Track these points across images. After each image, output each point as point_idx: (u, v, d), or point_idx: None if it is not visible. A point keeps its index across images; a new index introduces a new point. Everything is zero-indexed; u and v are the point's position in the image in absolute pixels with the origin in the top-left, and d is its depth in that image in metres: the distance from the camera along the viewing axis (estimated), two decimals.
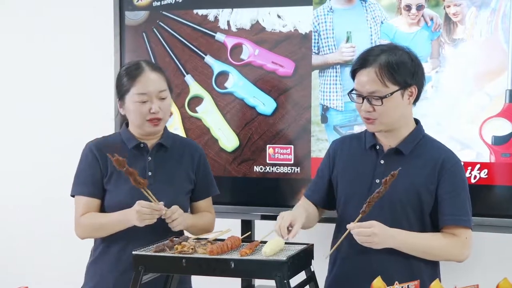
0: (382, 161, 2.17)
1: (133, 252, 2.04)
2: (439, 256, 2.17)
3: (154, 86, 2.31)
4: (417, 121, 2.23)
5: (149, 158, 2.37)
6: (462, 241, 2.15)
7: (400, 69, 2.09)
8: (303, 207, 2.26)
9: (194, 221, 2.39)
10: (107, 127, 2.94)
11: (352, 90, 2.16)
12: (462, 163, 2.24)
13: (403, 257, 2.13)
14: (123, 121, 2.46)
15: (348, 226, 2.07)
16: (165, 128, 2.44)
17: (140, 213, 2.20)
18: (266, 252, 1.97)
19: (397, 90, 2.09)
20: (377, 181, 2.15)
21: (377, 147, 2.19)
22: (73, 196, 2.39)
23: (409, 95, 2.13)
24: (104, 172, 2.35)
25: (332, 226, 2.31)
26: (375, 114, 2.11)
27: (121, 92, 2.36)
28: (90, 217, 2.34)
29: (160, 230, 2.27)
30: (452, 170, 2.15)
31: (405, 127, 2.18)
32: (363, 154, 2.21)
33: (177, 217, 2.26)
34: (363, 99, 2.12)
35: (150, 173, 2.36)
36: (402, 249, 2.11)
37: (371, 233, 2.04)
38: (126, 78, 2.34)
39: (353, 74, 2.16)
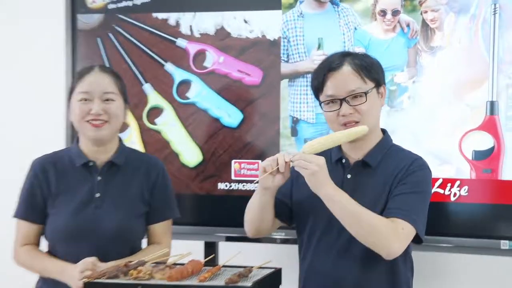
0: (349, 176, 2.09)
1: (83, 280, 1.94)
2: (367, 231, 1.95)
3: (98, 86, 2.25)
4: (384, 131, 2.17)
5: (99, 177, 2.28)
6: (396, 228, 1.96)
7: (373, 66, 2.08)
8: None
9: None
10: (56, 138, 2.92)
11: (320, 101, 2.09)
12: (431, 172, 2.12)
13: (384, 272, 2.04)
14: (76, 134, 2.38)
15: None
16: (121, 144, 2.34)
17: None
18: (306, 148, 1.99)
19: (374, 87, 2.07)
20: None
21: (343, 160, 2.12)
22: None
23: (381, 95, 2.11)
24: (47, 195, 2.26)
25: None
26: (357, 116, 2.03)
27: (69, 93, 2.31)
28: (27, 256, 2.28)
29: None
30: (411, 170, 2.04)
31: (374, 134, 2.10)
32: (329, 169, 2.08)
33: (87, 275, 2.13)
34: (341, 103, 2.03)
35: (98, 195, 2.25)
36: (333, 203, 1.96)
37: (312, 160, 1.95)
38: (76, 77, 2.32)
39: (321, 85, 2.07)
